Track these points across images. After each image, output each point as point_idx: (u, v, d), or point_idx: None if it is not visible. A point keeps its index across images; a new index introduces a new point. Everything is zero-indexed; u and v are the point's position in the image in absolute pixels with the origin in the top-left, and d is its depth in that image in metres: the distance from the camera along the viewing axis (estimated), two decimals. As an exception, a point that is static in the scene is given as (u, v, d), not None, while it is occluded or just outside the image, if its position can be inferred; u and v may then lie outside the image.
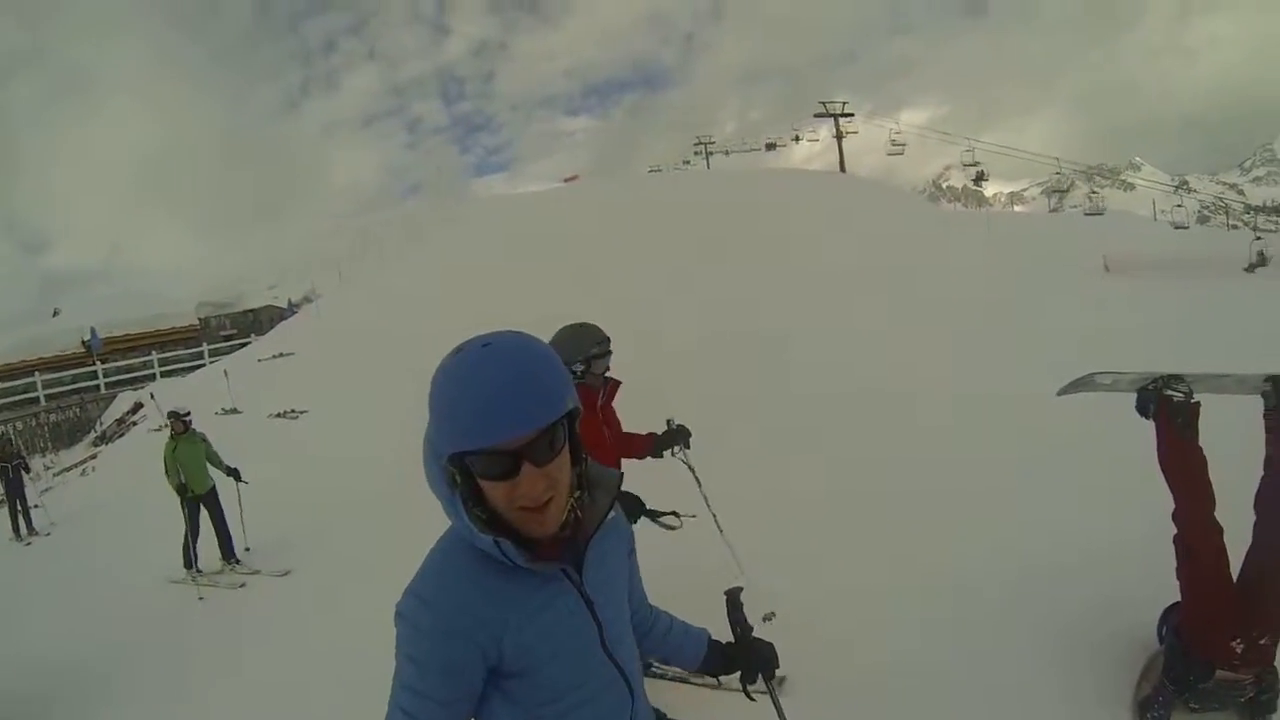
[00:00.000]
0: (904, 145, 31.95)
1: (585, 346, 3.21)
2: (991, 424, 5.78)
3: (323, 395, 12.23)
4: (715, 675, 1.60)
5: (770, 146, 35.83)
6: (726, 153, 37.71)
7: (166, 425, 7.35)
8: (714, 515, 4.13)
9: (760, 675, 1.57)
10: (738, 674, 1.59)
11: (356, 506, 7.15)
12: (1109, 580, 3.61)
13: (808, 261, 12.28)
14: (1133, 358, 4.04)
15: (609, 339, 3.30)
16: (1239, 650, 2.75)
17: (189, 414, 7.31)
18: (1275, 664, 2.82)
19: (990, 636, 3.48)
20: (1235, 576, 2.91)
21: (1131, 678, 3.13)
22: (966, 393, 6.53)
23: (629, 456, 3.53)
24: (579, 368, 3.18)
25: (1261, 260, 22.75)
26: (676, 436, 3.72)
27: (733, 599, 1.67)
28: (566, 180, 31.87)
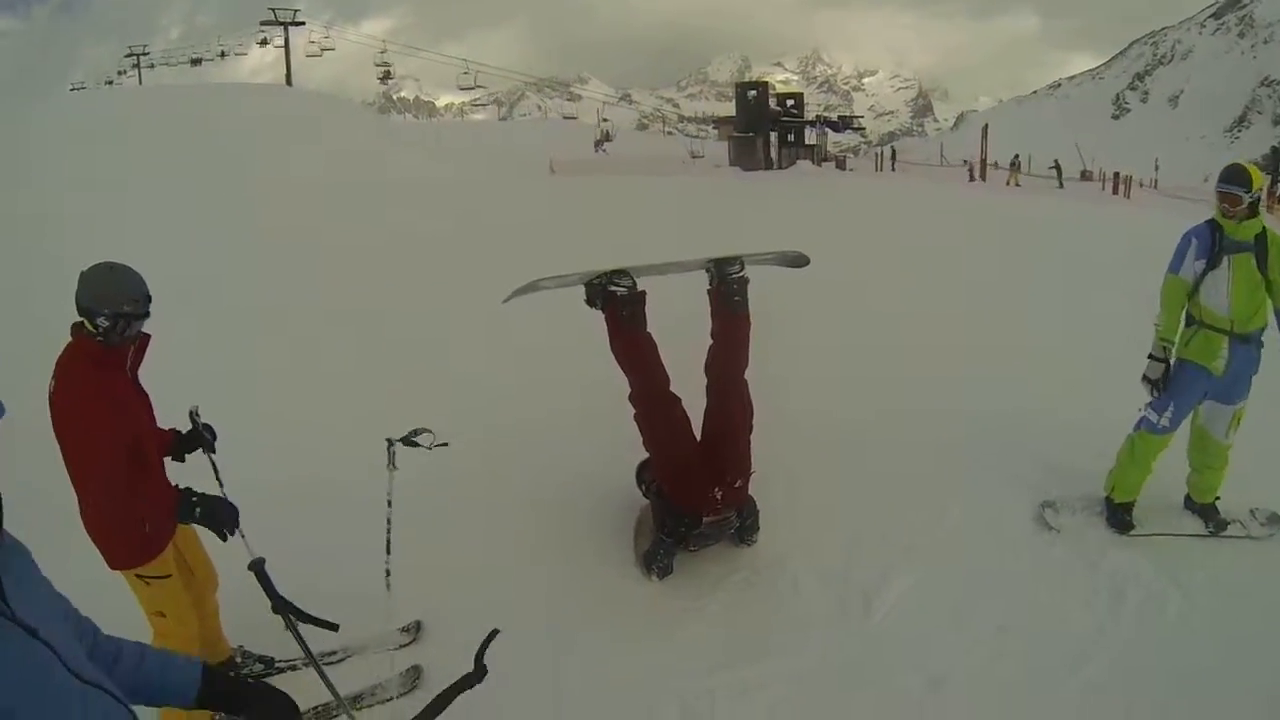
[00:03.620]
0: (324, 49, 32.17)
1: (120, 299, 2.35)
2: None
3: None
4: (221, 712, 1.39)
5: (196, 62, 32.17)
6: (153, 65, 33.14)
7: None
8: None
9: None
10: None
11: None
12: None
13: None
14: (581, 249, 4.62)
15: (149, 295, 2.43)
16: (719, 497, 3.17)
17: None
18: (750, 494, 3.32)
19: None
20: (700, 435, 3.33)
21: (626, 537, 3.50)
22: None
23: None
24: (103, 322, 2.32)
25: (699, 153, 30.15)
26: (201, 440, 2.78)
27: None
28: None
